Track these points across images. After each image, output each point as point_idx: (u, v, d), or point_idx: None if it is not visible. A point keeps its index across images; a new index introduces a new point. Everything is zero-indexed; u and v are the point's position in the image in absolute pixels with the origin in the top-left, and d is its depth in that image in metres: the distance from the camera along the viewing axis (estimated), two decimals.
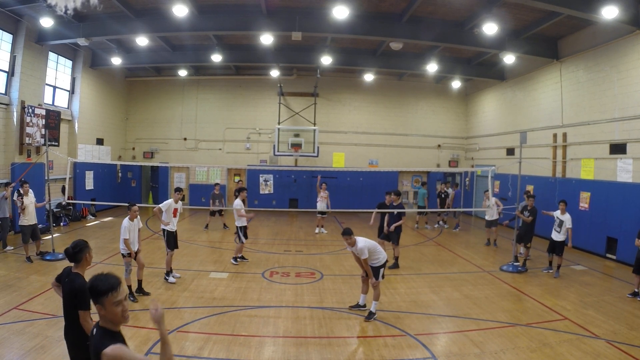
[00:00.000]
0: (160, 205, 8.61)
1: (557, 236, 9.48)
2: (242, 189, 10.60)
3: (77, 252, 3.82)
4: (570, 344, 5.88)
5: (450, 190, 16.05)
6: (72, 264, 3.87)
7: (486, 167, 14.90)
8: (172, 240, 8.57)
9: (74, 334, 3.61)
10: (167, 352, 2.65)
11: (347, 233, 6.74)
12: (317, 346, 5.83)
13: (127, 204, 7.69)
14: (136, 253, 7.59)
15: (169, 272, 8.47)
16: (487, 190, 12.65)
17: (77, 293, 3.59)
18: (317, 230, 14.43)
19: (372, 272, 6.79)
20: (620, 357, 5.53)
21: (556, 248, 9.49)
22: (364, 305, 7.14)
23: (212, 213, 14.67)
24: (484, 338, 6.09)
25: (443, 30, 12.83)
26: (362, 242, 6.79)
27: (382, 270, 6.91)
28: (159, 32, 13.20)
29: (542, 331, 6.36)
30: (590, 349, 5.72)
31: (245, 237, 10.08)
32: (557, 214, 9.54)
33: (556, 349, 5.74)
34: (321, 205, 14.17)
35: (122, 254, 7.50)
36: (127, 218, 7.48)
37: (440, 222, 16.36)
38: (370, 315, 6.75)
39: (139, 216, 7.75)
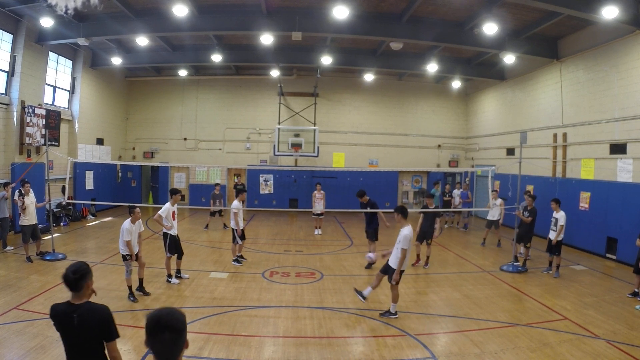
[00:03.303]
0: (159, 212, 8.39)
1: (553, 235, 9.49)
2: (241, 190, 10.47)
3: (79, 278, 3.18)
4: (570, 344, 5.88)
5: (456, 191, 16.03)
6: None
7: (486, 167, 14.90)
8: (173, 244, 8.42)
9: None
10: None
11: (401, 211, 6.77)
12: (317, 346, 5.83)
13: (127, 205, 7.62)
14: (137, 255, 7.56)
15: (170, 275, 8.44)
16: (496, 190, 12.81)
17: (105, 322, 3.16)
18: (316, 232, 14.43)
19: (394, 271, 6.69)
20: (620, 357, 5.53)
21: (553, 247, 9.50)
22: (365, 298, 7.16)
23: (212, 213, 14.68)
24: (484, 338, 6.09)
25: (443, 30, 12.84)
26: (408, 230, 6.64)
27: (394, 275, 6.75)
28: (159, 32, 13.20)
29: (542, 331, 6.36)
30: (590, 349, 5.72)
31: (243, 237, 10.01)
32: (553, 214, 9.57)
33: (556, 349, 5.74)
34: (317, 206, 14.17)
35: (123, 256, 7.43)
36: (128, 220, 7.38)
37: (446, 224, 16.33)
38: (387, 314, 6.81)
39: (140, 219, 7.68)
